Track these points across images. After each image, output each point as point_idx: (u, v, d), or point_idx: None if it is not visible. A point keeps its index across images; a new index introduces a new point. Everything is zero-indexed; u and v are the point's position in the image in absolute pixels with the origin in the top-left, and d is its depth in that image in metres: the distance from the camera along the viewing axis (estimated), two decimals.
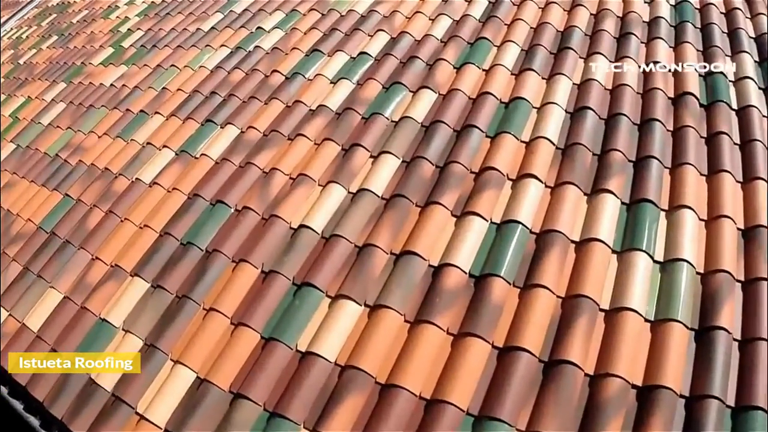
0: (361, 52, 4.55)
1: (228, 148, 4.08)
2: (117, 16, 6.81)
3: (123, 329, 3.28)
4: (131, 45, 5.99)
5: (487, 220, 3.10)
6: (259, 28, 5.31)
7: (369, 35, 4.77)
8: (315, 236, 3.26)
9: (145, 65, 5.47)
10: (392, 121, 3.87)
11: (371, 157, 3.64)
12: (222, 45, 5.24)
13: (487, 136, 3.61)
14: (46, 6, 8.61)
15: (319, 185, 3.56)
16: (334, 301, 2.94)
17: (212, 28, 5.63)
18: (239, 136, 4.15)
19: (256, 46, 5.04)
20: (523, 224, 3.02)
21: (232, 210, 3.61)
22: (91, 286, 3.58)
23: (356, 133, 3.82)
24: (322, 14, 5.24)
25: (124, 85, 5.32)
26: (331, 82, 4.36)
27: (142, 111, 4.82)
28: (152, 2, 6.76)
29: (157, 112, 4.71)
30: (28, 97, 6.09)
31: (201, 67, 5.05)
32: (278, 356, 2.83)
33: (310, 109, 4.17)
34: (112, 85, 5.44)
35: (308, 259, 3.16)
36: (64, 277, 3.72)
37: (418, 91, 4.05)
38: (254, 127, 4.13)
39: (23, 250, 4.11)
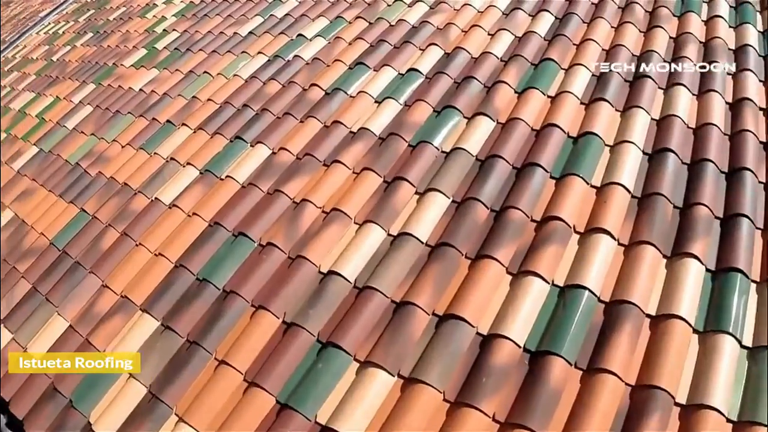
0: (411, 69, 4.24)
1: (256, 170, 3.83)
2: (154, 15, 6.68)
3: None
4: (165, 47, 5.83)
5: (548, 282, 2.74)
6: (300, 35, 5.06)
7: (420, 49, 4.47)
8: (346, 285, 2.95)
9: (177, 70, 5.28)
10: (442, 152, 3.54)
11: (416, 193, 3.32)
12: (259, 52, 5.01)
13: (551, 177, 3.25)
14: (86, 1, 8.59)
15: (354, 223, 3.26)
16: (363, 367, 2.63)
17: (250, 33, 5.42)
18: (270, 158, 3.89)
19: (296, 56, 4.79)
20: (590, 290, 2.65)
21: (256, 245, 3.34)
22: (98, 317, 3.39)
23: (401, 164, 3.51)
24: (370, 23, 4.96)
25: (153, 90, 5.15)
26: (376, 102, 4.06)
27: (168, 121, 4.62)
28: (191, 2, 6.60)
29: (184, 124, 4.50)
30: (57, 97, 6.00)
31: (235, 75, 4.83)
32: (294, 428, 2.52)
33: (351, 132, 3.88)
34: (141, 90, 5.27)
35: (336, 314, 2.85)
36: (71, 303, 3.55)
37: (473, 118, 3.72)
38: (287, 149, 3.86)
39: (33, 266, 3.96)
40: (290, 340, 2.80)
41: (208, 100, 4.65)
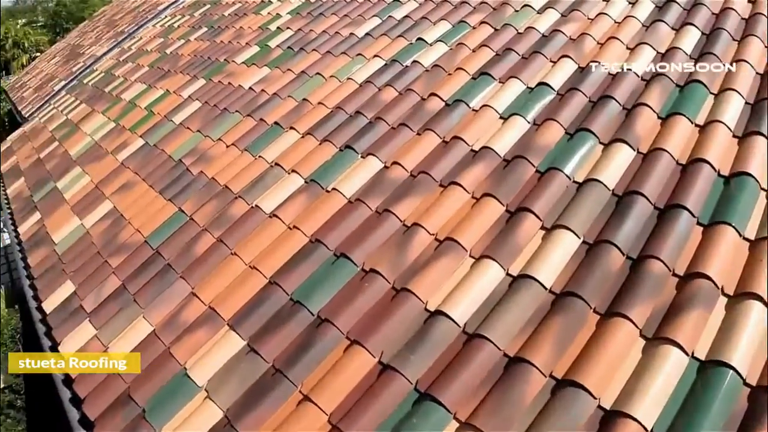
0: (541, 83, 3.89)
1: (365, 185, 3.60)
2: (268, 12, 6.69)
3: (205, 390, 2.89)
4: (278, 45, 5.77)
5: (687, 354, 2.31)
6: (419, 39, 4.82)
7: (551, 61, 4.11)
8: (454, 329, 2.65)
9: (288, 70, 5.19)
10: (574, 182, 3.17)
11: (543, 228, 2.97)
12: (375, 55, 4.82)
13: (698, 224, 2.80)
14: None
15: (470, 257, 2.95)
16: (463, 429, 2.31)
17: (367, 34, 5.24)
18: (381, 173, 3.66)
19: (414, 61, 4.55)
20: (735, 370, 2.21)
21: (358, 269, 3.11)
22: (183, 327, 3.28)
23: (526, 192, 3.16)
24: (495, 29, 4.64)
25: (263, 90, 5.08)
26: (501, 118, 3.75)
27: (276, 123, 4.51)
28: (306, 0, 6.54)
29: (292, 127, 4.37)
30: (167, 90, 6.10)
31: (349, 79, 4.66)
32: None
33: (472, 150, 3.58)
34: (250, 88, 5.22)
35: (439, 361, 2.55)
36: (158, 308, 3.48)
37: (610, 145, 3.32)
38: (400, 164, 3.61)
39: (125, 263, 3.95)
40: (385, 385, 2.52)
41: (319, 103, 4.50)
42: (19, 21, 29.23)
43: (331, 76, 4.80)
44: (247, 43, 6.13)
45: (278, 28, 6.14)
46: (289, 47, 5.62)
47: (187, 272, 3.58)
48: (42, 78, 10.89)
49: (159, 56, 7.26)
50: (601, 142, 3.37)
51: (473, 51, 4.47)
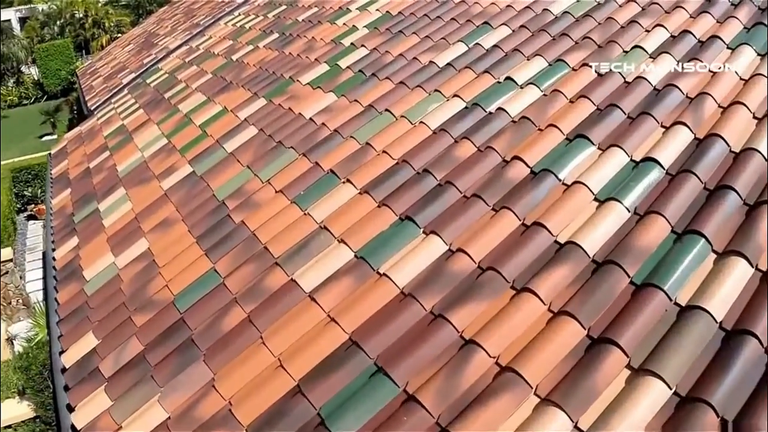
0: (648, 158, 3.38)
1: (423, 274, 3.23)
2: (344, 23, 6.38)
3: None
4: (349, 66, 5.46)
5: None
6: (508, 78, 4.39)
7: (663, 126, 3.61)
8: None
9: (356, 101, 4.88)
10: (676, 304, 2.69)
11: (629, 367, 2.51)
12: (455, 95, 4.42)
13: None
14: None
15: (535, 395, 2.53)
16: None
17: (449, 64, 4.85)
18: (443, 260, 3.28)
19: (500, 108, 4.13)
20: None
21: (399, 391, 2.75)
22: (198, 424, 3.06)
23: (614, 313, 2.71)
24: (599, 75, 4.17)
25: (324, 123, 4.78)
26: (596, 200, 3.28)
27: (332, 171, 4.21)
28: (387, 12, 6.20)
29: (349, 180, 4.06)
30: (224, 108, 5.94)
31: (421, 122, 4.29)
32: None
33: (556, 242, 3.14)
34: (311, 119, 4.95)
35: None
36: (176, 392, 3.29)
37: (726, 257, 2.80)
38: (466, 252, 3.22)
39: (150, 324, 3.79)
40: None
41: (384, 151, 4.16)
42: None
43: (401, 116, 4.44)
44: (316, 59, 5.85)
45: (352, 44, 5.83)
46: (360, 71, 5.29)
47: (211, 353, 3.35)
48: (113, 66, 11.10)
49: (224, 62, 7.12)
50: (714, 251, 2.86)
51: (570, 102, 4.00)
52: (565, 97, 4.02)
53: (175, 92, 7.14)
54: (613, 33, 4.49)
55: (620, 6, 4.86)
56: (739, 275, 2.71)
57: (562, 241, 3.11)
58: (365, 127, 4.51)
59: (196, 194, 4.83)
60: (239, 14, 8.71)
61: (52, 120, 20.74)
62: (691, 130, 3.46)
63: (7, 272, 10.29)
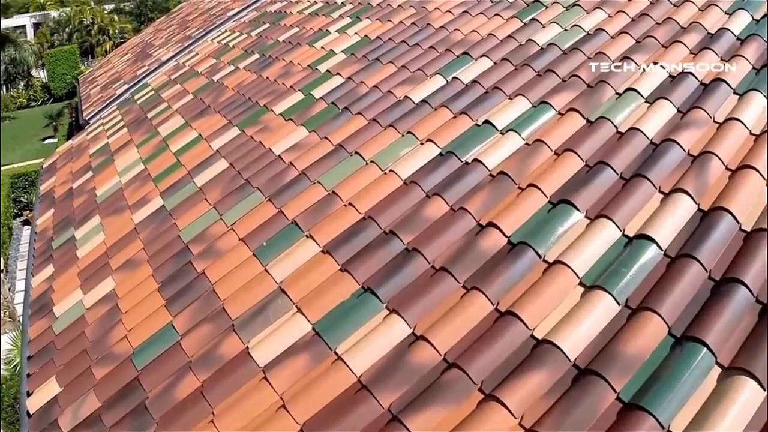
0: (642, 235, 2.65)
1: (381, 363, 2.55)
2: (322, 47, 5.60)
3: None
4: (323, 96, 4.71)
5: None
6: (487, 123, 3.63)
7: (661, 192, 2.87)
8: None
9: (326, 138, 4.14)
10: None
11: None
12: (429, 139, 3.67)
13: None
14: (265, 11, 7.82)
15: None
16: None
17: (424, 100, 4.08)
18: (403, 346, 2.58)
19: (476, 160, 3.38)
20: None
21: None
22: None
23: None
24: (588, 122, 3.40)
25: (292, 163, 4.06)
26: (581, 285, 2.56)
27: (295, 223, 3.50)
28: (365, 37, 5.41)
29: (311, 236, 3.34)
30: (200, 135, 5.21)
31: (392, 170, 3.55)
32: None
33: (533, 337, 2.43)
34: (280, 156, 4.22)
35: None
36: None
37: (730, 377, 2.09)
38: (429, 341, 2.51)
39: (108, 379, 3.21)
40: None
41: (350, 203, 3.44)
42: (107, 7, 29.44)
43: (371, 161, 3.70)
44: (291, 87, 5.09)
45: (328, 71, 5.06)
46: (333, 102, 4.53)
47: (163, 422, 2.78)
48: (110, 76, 10.32)
49: (206, 83, 6.36)
50: (719, 363, 2.15)
51: (555, 154, 3.25)
52: (549, 148, 3.27)
53: (157, 112, 6.39)
54: (604, 72, 3.73)
55: (612, 38, 4.09)
56: (746, 399, 2.01)
57: (539, 336, 2.39)
58: (333, 171, 3.77)
59: (163, 232, 4.16)
60: (226, 31, 7.91)
61: (54, 124, 20.16)
62: (693, 200, 2.71)
63: None
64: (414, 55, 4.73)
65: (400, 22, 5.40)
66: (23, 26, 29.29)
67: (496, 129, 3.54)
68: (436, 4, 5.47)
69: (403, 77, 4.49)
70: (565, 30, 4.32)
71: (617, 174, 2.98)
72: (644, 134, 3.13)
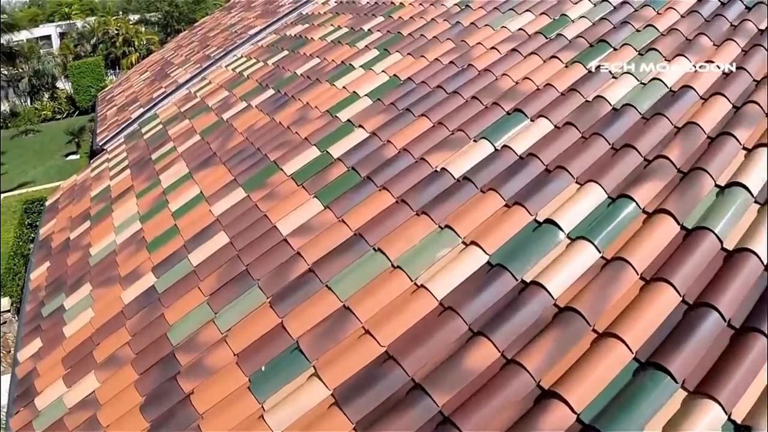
0: None
1: None
2: (344, 86, 4.75)
3: None
4: (341, 157, 3.89)
5: None
6: (549, 222, 2.76)
7: None
8: None
9: (342, 220, 3.33)
10: None
11: None
12: (473, 241, 2.83)
13: None
14: (285, 35, 7.01)
15: None
16: None
17: (466, 177, 3.23)
18: None
19: (536, 283, 2.54)
20: None
21: None
22: None
23: None
24: (686, 231, 2.52)
25: (300, 252, 3.26)
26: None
27: (298, 346, 2.72)
28: (395, 76, 4.55)
29: (317, 373, 2.56)
30: (201, 192, 4.45)
31: (423, 285, 2.74)
32: None
33: None
34: (285, 240, 3.42)
35: None
36: None
37: None
38: None
39: None
40: None
41: (368, 330, 2.64)
42: (132, 17, 28.96)
43: (398, 265, 2.87)
44: (306, 138, 4.28)
45: (349, 121, 4.22)
46: (354, 168, 3.71)
47: None
48: (128, 96, 9.68)
49: (215, 121, 5.61)
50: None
51: (642, 280, 2.37)
52: (635, 270, 2.40)
53: (161, 153, 5.67)
54: (698, 152, 2.83)
55: (704, 100, 3.18)
56: None
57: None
58: (350, 272, 2.96)
59: (151, 323, 3.47)
60: (242, 56, 7.13)
61: (76, 140, 19.76)
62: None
63: (5, 322, 9.11)
64: (453, 106, 3.86)
65: (436, 59, 4.52)
66: (49, 36, 29.14)
67: (562, 231, 2.67)
68: (479, 37, 4.59)
69: (440, 137, 3.63)
70: (642, 84, 3.42)
71: (725, 321, 2.11)
72: (758, 256, 2.24)
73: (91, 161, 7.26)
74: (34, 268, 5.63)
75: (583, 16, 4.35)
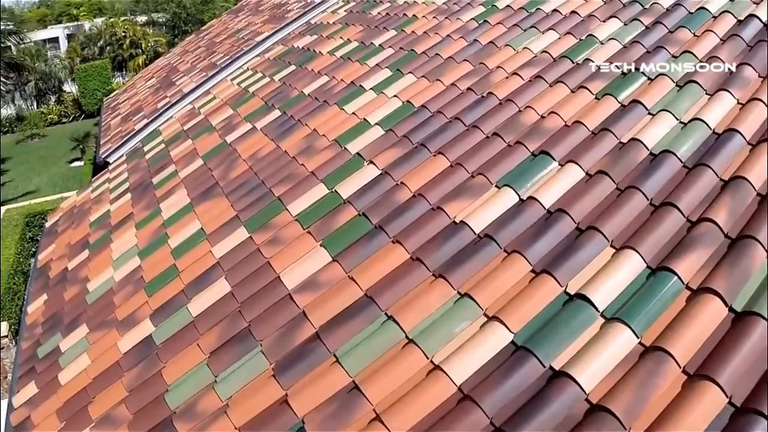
0: None
1: None
2: (354, 113, 4.50)
3: None
4: (351, 198, 3.65)
5: None
6: (582, 297, 2.51)
7: None
8: None
9: (351, 277, 3.10)
10: None
11: None
12: (495, 315, 2.58)
13: None
14: (292, 47, 6.75)
15: None
16: None
17: (488, 235, 2.98)
18: None
19: (564, 373, 2.29)
20: None
21: None
22: None
23: None
24: (735, 314, 2.25)
25: (305, 312, 3.04)
26: None
27: (302, 428, 2.49)
28: (408, 103, 4.29)
29: None
30: (202, 228, 4.24)
31: (439, 366, 2.50)
32: None
33: None
34: (290, 296, 3.19)
35: None
36: None
37: None
38: None
39: None
40: None
41: (379, 417, 2.40)
42: (139, 19, 28.72)
43: (413, 338, 2.64)
44: (313, 173, 4.05)
45: (359, 155, 3.98)
46: (364, 214, 3.47)
47: None
48: (133, 104, 9.49)
49: (218, 144, 5.38)
50: None
51: (685, 374, 2.11)
52: (678, 363, 2.13)
53: (163, 178, 5.46)
54: (748, 212, 2.56)
55: (752, 146, 2.90)
56: None
57: None
58: (360, 342, 2.73)
59: (148, 379, 3.29)
60: (248, 69, 6.89)
61: (81, 146, 19.64)
62: None
63: (3, 347, 8.99)
64: (473, 143, 3.60)
65: (453, 84, 4.25)
66: (56, 38, 29.05)
67: (596, 309, 2.42)
68: (499, 59, 4.31)
69: (459, 180, 3.38)
70: (683, 124, 3.13)
71: None
72: None
73: (92, 179, 7.07)
74: (32, 300, 5.47)
75: (612, 38, 4.06)
